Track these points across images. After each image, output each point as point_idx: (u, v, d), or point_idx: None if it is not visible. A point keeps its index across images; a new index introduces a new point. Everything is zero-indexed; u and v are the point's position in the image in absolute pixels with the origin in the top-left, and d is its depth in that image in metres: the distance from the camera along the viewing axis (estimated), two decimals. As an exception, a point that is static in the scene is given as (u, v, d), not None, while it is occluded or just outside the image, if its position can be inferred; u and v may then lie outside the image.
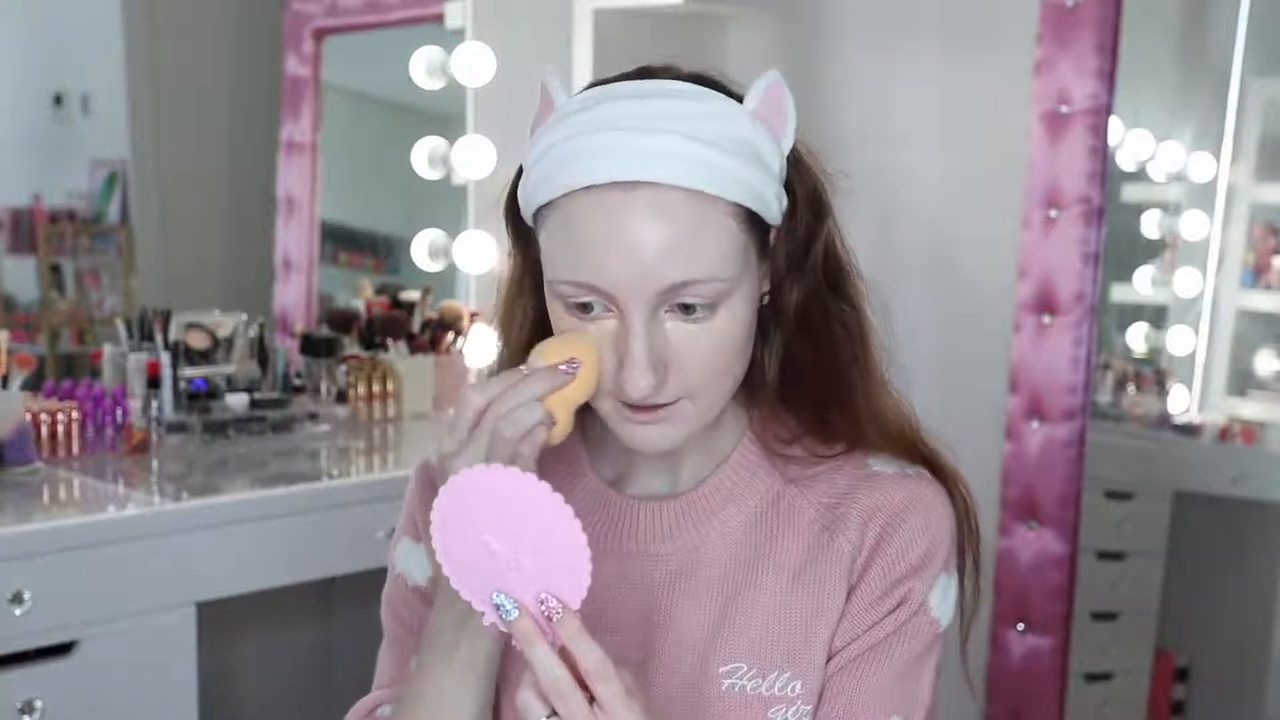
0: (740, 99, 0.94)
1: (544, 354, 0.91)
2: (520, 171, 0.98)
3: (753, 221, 0.93)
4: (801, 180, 0.98)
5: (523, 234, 1.01)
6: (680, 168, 0.88)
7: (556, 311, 0.94)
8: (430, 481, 1.07)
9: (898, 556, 0.99)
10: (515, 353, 1.03)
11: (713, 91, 0.93)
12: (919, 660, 1.00)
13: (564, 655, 0.82)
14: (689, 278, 0.89)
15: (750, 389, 1.01)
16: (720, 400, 0.95)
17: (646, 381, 0.90)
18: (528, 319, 1.03)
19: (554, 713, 0.82)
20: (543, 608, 0.82)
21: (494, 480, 0.82)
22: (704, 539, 1.01)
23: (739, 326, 0.93)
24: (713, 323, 0.91)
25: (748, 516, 1.02)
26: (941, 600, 1.00)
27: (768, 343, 1.00)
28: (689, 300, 0.90)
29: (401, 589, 1.08)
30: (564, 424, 0.91)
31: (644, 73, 0.96)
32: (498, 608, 0.83)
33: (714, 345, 0.92)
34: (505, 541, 0.82)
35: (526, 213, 0.96)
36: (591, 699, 0.82)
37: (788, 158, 0.96)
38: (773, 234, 0.96)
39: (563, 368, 0.90)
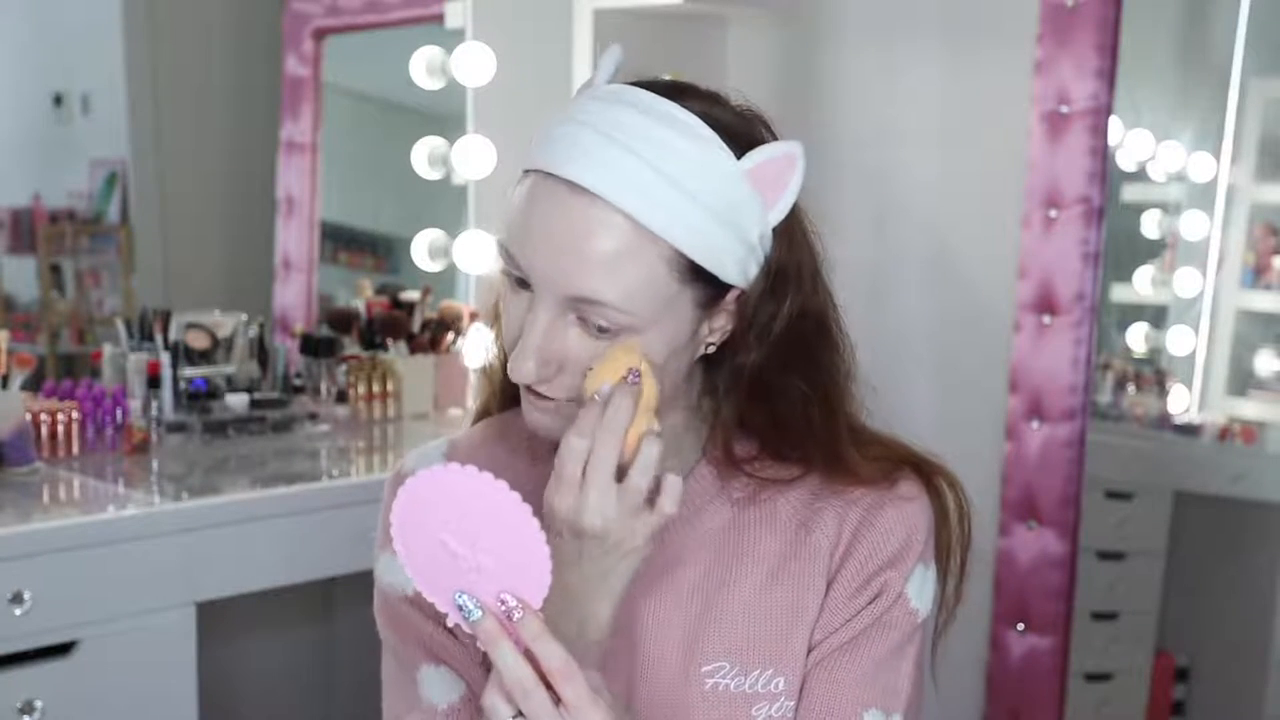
0: (760, 141, 0.92)
1: (599, 377, 0.89)
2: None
3: (695, 273, 0.90)
4: (791, 254, 0.95)
5: None
6: (629, 192, 0.87)
7: (499, 277, 0.95)
8: None
9: (874, 549, 1.00)
10: None
11: (713, 138, 0.90)
12: (899, 650, 1.00)
13: (529, 657, 0.82)
14: (595, 298, 0.88)
15: (710, 418, 1.01)
16: None
17: (527, 368, 0.90)
18: None
19: (520, 713, 0.82)
20: (502, 608, 0.82)
21: (450, 480, 0.81)
22: (682, 540, 1.01)
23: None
24: None
25: (726, 516, 1.02)
26: (920, 590, 1.01)
27: (725, 392, 0.98)
28: (592, 319, 0.89)
29: (392, 600, 1.06)
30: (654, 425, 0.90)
31: (674, 89, 0.93)
32: (460, 608, 0.83)
33: None
34: (464, 542, 0.82)
35: None
36: (557, 699, 0.82)
37: (778, 229, 0.94)
38: (733, 293, 0.94)
39: (630, 380, 0.88)
